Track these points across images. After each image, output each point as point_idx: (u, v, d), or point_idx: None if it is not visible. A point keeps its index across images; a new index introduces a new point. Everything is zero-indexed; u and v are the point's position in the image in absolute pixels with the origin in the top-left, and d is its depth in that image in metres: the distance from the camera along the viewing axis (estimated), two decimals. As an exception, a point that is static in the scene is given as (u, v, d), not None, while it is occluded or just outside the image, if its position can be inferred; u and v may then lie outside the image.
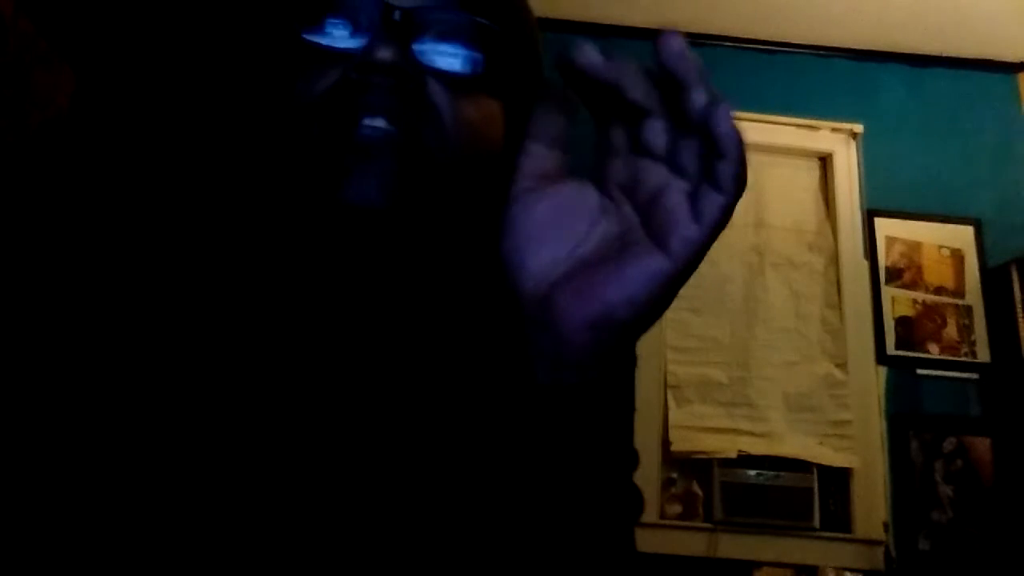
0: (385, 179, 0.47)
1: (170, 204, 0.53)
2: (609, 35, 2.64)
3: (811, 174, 2.64)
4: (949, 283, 2.48)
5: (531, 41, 0.58)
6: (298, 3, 0.50)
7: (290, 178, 0.50)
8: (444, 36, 0.50)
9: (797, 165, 2.65)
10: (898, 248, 2.51)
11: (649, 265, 0.40)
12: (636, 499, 0.54)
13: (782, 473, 2.23)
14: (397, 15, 0.47)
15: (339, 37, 0.49)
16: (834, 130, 2.61)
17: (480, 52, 0.50)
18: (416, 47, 0.48)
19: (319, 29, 0.49)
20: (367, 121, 0.47)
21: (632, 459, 0.54)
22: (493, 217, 0.46)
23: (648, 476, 2.15)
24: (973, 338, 2.42)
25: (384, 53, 0.46)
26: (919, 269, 2.49)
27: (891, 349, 2.39)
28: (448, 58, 0.50)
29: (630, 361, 0.51)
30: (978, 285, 2.47)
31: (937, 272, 2.49)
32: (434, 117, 0.49)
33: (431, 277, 0.52)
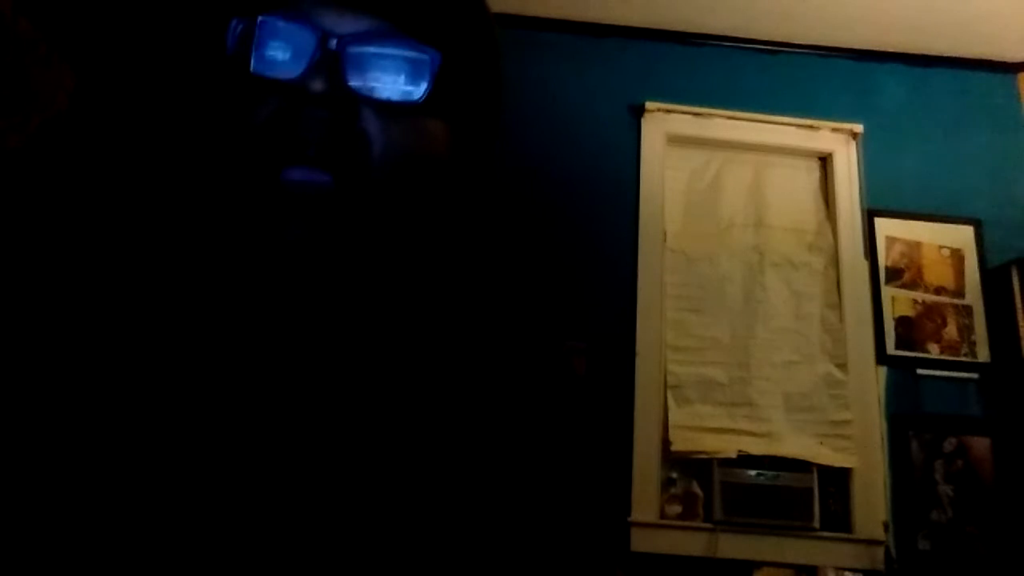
0: (311, 224, 0.47)
1: (171, 203, 0.53)
2: (609, 35, 2.65)
3: (811, 174, 2.65)
4: (949, 283, 2.48)
5: (482, 58, 0.57)
6: (239, 30, 0.50)
7: (227, 211, 0.51)
8: (381, 63, 0.50)
9: (797, 165, 2.65)
10: (898, 248, 2.51)
11: None
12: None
13: (782, 473, 2.23)
14: (333, 43, 0.48)
15: (279, 64, 0.49)
16: (834, 130, 2.61)
17: (419, 78, 0.50)
18: (351, 75, 0.48)
19: (260, 56, 0.49)
20: (290, 174, 0.47)
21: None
22: (441, 226, 0.46)
23: (648, 476, 2.16)
24: (973, 338, 2.42)
25: (317, 84, 0.47)
26: (919, 269, 2.49)
27: (891, 349, 2.39)
28: (385, 85, 0.50)
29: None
30: (978, 285, 2.47)
31: (937, 272, 2.49)
32: (363, 148, 0.49)
33: (380, 287, 0.53)
